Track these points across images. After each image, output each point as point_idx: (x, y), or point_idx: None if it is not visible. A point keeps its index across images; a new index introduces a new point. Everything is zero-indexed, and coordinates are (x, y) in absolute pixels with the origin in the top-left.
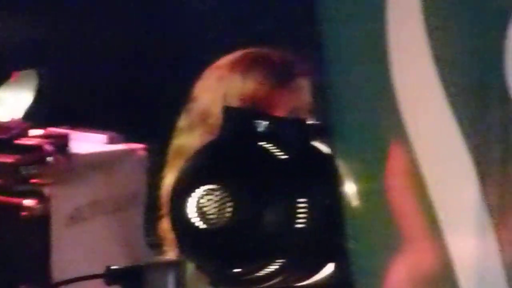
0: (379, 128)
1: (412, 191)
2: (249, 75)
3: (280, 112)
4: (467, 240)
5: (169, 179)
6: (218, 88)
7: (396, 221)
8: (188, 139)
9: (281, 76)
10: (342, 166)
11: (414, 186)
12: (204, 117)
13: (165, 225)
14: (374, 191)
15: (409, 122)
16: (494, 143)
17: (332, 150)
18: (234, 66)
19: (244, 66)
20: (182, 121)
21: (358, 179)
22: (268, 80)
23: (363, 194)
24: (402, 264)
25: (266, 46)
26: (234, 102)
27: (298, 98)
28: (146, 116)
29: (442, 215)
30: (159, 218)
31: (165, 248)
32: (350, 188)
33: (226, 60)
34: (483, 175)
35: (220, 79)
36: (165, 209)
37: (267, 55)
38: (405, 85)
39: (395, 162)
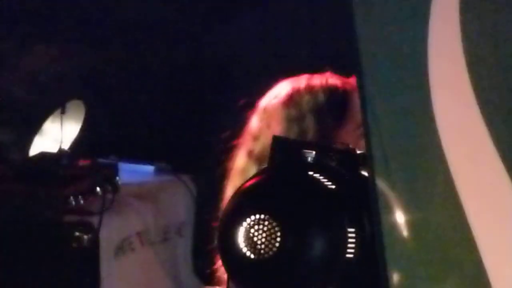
0: (420, 157)
1: (451, 221)
2: (309, 111)
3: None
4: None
5: None
6: (279, 128)
7: (439, 250)
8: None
9: (337, 108)
10: (383, 195)
11: (454, 216)
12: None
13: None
14: (416, 220)
15: (449, 150)
16: None
17: (372, 179)
18: (289, 104)
19: (299, 103)
20: (241, 161)
21: (399, 208)
22: (327, 115)
23: (405, 223)
24: None
25: (311, 72)
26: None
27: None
28: (193, 147)
29: (483, 243)
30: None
31: (216, 278)
32: (391, 218)
33: (279, 97)
34: None
35: (281, 118)
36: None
37: (320, 86)
38: (445, 112)
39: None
